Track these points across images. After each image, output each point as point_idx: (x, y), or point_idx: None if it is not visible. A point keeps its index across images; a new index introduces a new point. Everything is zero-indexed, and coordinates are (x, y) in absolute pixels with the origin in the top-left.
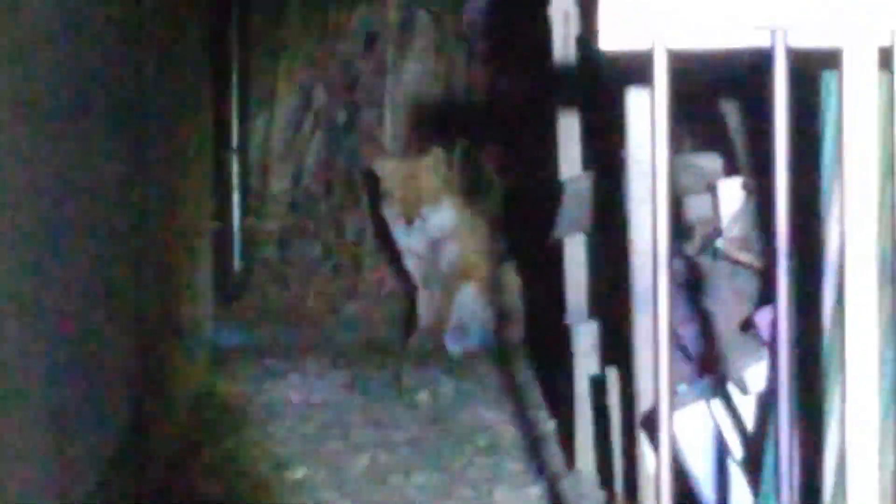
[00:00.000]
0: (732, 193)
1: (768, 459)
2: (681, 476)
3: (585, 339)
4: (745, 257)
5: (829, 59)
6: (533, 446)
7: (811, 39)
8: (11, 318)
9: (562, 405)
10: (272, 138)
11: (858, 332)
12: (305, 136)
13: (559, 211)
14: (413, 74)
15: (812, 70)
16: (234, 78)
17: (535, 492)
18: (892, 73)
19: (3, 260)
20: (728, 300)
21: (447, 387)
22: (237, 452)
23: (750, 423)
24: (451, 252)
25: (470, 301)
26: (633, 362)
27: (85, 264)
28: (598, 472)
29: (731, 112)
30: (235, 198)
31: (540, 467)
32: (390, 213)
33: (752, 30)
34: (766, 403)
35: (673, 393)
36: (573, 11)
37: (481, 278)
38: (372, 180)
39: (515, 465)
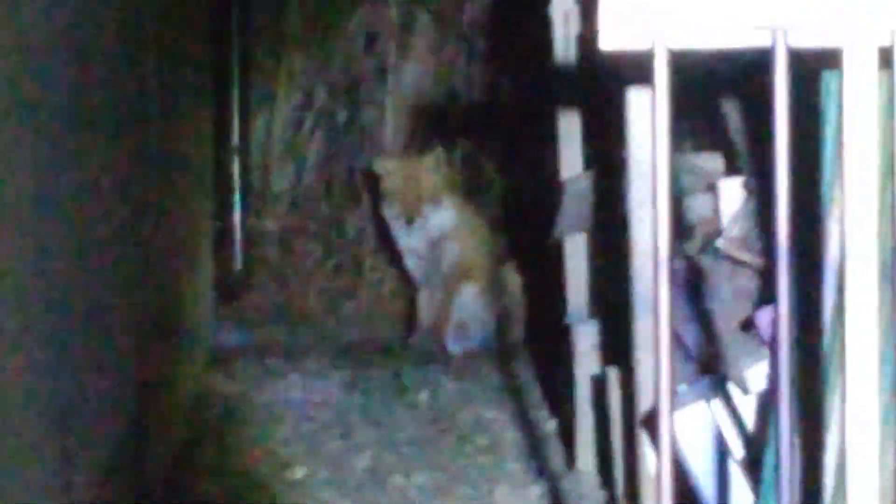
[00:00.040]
0: (733, 193)
1: (768, 459)
2: (681, 476)
3: (586, 338)
4: (745, 257)
5: (830, 59)
6: (533, 446)
7: (811, 39)
8: (11, 318)
9: (562, 405)
10: (273, 138)
11: (859, 332)
12: (306, 136)
13: (559, 211)
14: (413, 74)
15: (812, 70)
16: (235, 77)
17: (536, 491)
18: (892, 72)
19: (2, 259)
20: (728, 300)
21: (447, 386)
22: (237, 452)
23: (750, 423)
24: (451, 252)
25: (470, 301)
26: (633, 362)
27: (85, 263)
28: (598, 471)
29: (731, 112)
30: (236, 197)
31: (540, 467)
32: (391, 212)
33: (752, 30)
34: (767, 403)
35: (673, 393)
36: (574, 11)
37: (482, 278)
38: (372, 180)
39: (516, 464)
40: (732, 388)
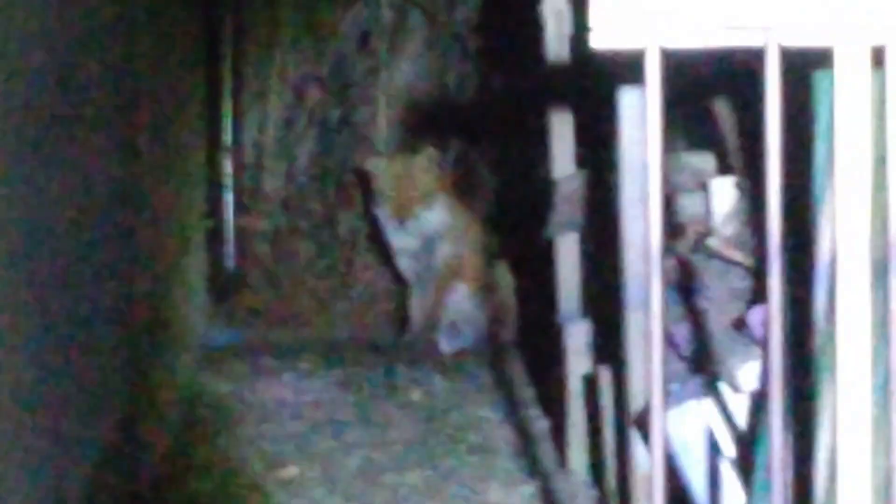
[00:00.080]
0: (725, 192)
1: (760, 458)
2: (673, 475)
3: (578, 337)
4: (737, 256)
5: (822, 59)
6: (525, 445)
7: (803, 39)
8: (1, 316)
9: (554, 404)
10: (265, 137)
11: (851, 331)
12: (298, 135)
13: (552, 210)
14: (406, 73)
15: (804, 70)
16: (227, 76)
17: (528, 490)
18: (884, 72)
19: None
20: (720, 299)
21: (440, 386)
22: (229, 451)
23: (742, 422)
24: (443, 251)
25: (462, 300)
26: (625, 361)
27: (75, 262)
28: (590, 470)
29: (723, 111)
30: (228, 196)
31: (532, 466)
32: (383, 212)
33: (744, 29)
34: (759, 402)
35: (665, 392)
36: (566, 10)
37: (474, 277)
38: (365, 179)
39: (508, 463)
40: (724, 387)
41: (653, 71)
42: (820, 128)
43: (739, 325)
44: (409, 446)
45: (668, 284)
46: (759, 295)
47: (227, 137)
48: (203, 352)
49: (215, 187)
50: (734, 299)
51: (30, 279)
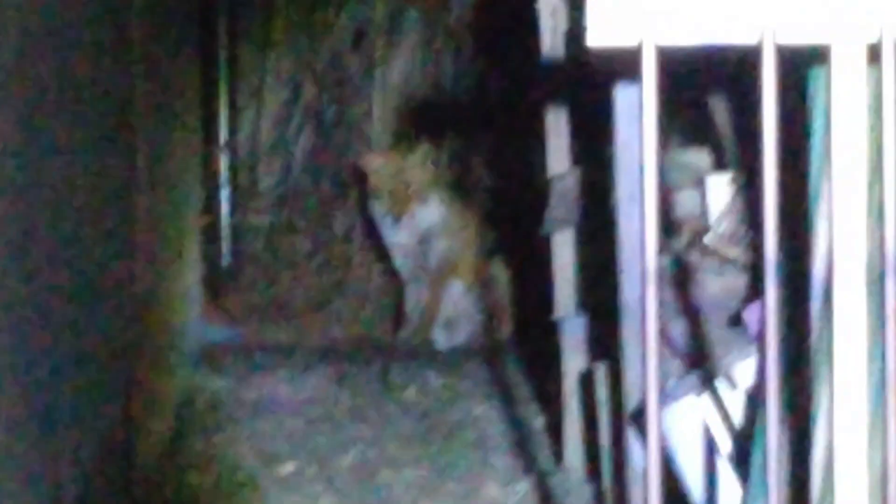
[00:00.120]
0: (721, 189)
1: (756, 455)
2: (669, 471)
3: (574, 334)
4: (733, 253)
5: (818, 56)
6: (521, 442)
7: (799, 36)
8: None
9: (550, 401)
10: (260, 134)
11: (847, 328)
12: (294, 132)
13: (547, 207)
14: (401, 70)
15: (801, 67)
16: (223, 73)
17: (524, 487)
18: (880, 69)
19: None
20: (717, 296)
21: (435, 382)
22: (225, 448)
23: (738, 418)
24: (439, 248)
25: (458, 297)
26: (621, 358)
27: (73, 260)
28: (586, 467)
29: (719, 108)
30: (224, 193)
31: (528, 463)
32: (378, 208)
33: (740, 26)
34: (755, 399)
35: (661, 388)
36: (561, 7)
37: (469, 274)
38: (360, 176)
39: (504, 460)
40: (720, 384)
41: (648, 68)
42: (816, 125)
43: (736, 321)
44: (405, 443)
45: (664, 281)
46: (755, 292)
47: (223, 134)
48: (199, 348)
49: (211, 184)
50: (730, 296)
51: (25, 276)
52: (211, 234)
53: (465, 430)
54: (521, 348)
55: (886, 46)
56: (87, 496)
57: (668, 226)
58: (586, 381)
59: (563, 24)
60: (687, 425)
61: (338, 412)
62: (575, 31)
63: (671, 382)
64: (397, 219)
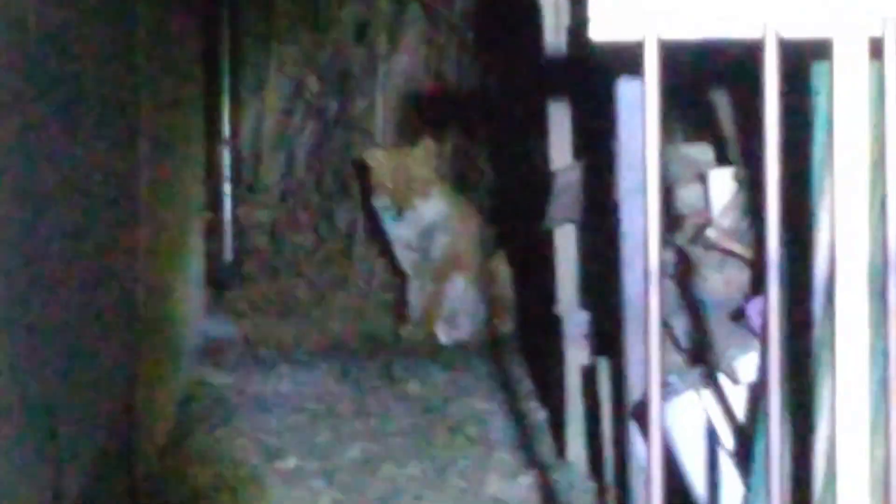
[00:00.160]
0: (723, 184)
1: (758, 449)
2: (671, 466)
3: (576, 329)
4: (735, 247)
5: (820, 50)
6: (523, 436)
7: (802, 30)
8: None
9: (552, 395)
10: (263, 129)
11: (849, 322)
12: (296, 127)
13: (550, 201)
14: (404, 65)
15: (803, 61)
16: (226, 68)
17: (526, 482)
18: (882, 63)
19: None
20: (719, 290)
21: (438, 377)
22: (227, 443)
23: (740, 413)
24: (441, 243)
25: (460, 291)
26: (623, 352)
27: (74, 256)
28: (588, 461)
29: (722, 102)
30: (227, 188)
31: (530, 457)
32: (381, 203)
33: (743, 20)
34: (757, 394)
35: (663, 383)
36: (564, 1)
37: (472, 269)
38: (363, 171)
39: (506, 455)
40: (723, 379)
41: (651, 62)
42: (818, 119)
43: (738, 316)
44: (408, 438)
45: (666, 276)
46: (757, 286)
47: (226, 130)
48: (201, 344)
49: (214, 179)
50: (732, 291)
51: (28, 272)
52: (214, 230)
53: (467, 425)
54: (523, 343)
55: (889, 40)
56: (90, 491)
57: (671, 220)
58: (588, 375)
59: (565, 18)
60: (689, 420)
61: (340, 407)
62: (577, 26)
63: (673, 377)
64: (400, 214)
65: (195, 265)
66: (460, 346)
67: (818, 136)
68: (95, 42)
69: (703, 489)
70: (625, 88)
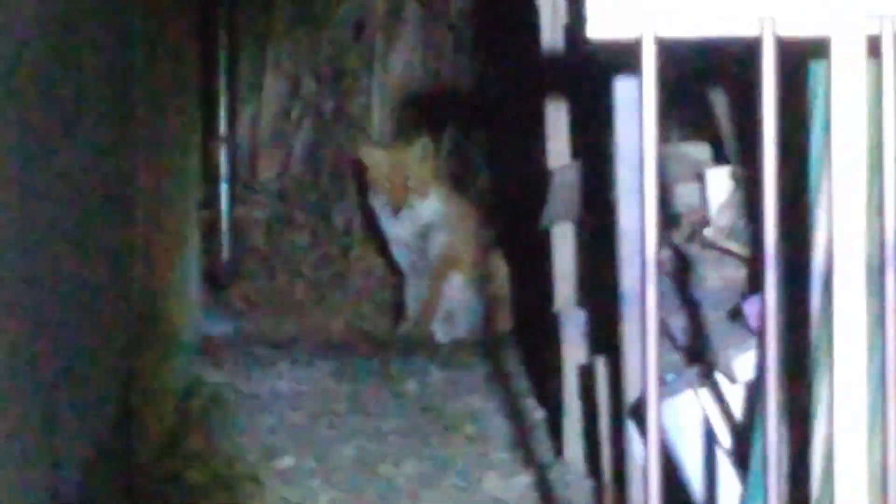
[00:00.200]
0: (720, 182)
1: (756, 448)
2: (669, 465)
3: (573, 327)
4: (733, 246)
5: (818, 48)
6: (521, 435)
7: (799, 28)
8: None
9: (550, 394)
10: (260, 127)
11: (847, 321)
12: (293, 125)
13: (547, 200)
14: (401, 63)
15: (801, 59)
16: (222, 66)
17: (524, 480)
18: (880, 62)
19: None
20: (716, 289)
21: (435, 376)
22: (225, 441)
23: (738, 412)
24: (438, 241)
25: (458, 290)
26: (621, 351)
27: (71, 253)
28: (586, 460)
29: (719, 101)
30: (223, 187)
31: (528, 456)
32: (378, 202)
33: (740, 18)
34: (755, 393)
35: (661, 382)
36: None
37: (469, 267)
38: (360, 169)
39: (504, 453)
40: (720, 378)
41: (648, 60)
42: (816, 117)
43: (735, 315)
44: (405, 436)
45: (663, 274)
46: (754, 285)
47: (222, 128)
48: (199, 342)
49: (210, 178)
50: (730, 289)
51: (25, 271)
52: (211, 228)
53: (464, 424)
54: (520, 341)
55: (886, 38)
56: (87, 490)
57: (668, 219)
58: (586, 374)
59: (562, 16)
60: (686, 419)
61: (338, 406)
62: (575, 24)
63: (671, 376)
64: (397, 212)
65: (193, 264)
66: (458, 345)
67: (816, 134)
68: (93, 40)
69: (701, 488)
70: (622, 87)
